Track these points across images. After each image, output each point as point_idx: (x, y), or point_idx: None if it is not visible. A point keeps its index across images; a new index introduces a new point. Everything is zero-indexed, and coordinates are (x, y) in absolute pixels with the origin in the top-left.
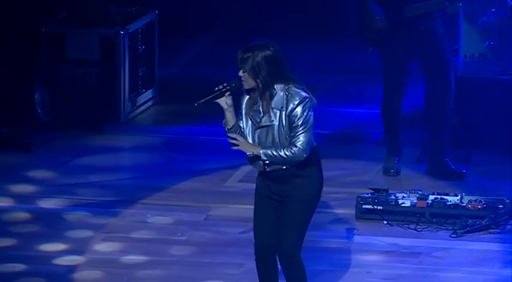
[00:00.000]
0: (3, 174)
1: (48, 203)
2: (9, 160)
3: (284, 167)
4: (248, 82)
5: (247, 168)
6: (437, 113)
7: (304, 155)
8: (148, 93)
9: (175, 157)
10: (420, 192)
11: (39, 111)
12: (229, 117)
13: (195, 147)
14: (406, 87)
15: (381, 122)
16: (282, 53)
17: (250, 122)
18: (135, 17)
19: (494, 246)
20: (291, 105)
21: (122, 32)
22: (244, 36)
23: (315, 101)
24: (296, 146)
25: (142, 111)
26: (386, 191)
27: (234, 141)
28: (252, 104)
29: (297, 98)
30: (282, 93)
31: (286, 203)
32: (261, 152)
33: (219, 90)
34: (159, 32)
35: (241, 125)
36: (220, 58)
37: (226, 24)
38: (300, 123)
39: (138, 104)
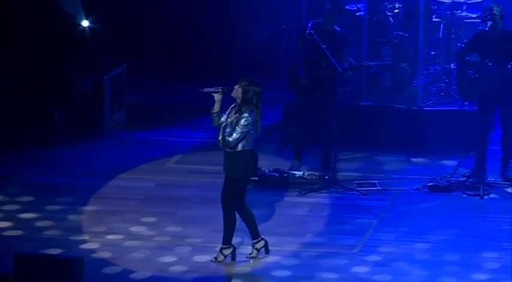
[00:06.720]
0: (42, 161)
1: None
2: (40, 152)
3: (228, 150)
4: (236, 93)
5: (179, 157)
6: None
7: (232, 145)
8: (121, 113)
9: (137, 150)
10: (281, 169)
11: (57, 123)
12: (216, 106)
13: (149, 144)
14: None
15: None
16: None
17: (227, 120)
18: (113, 68)
19: (324, 200)
20: (240, 116)
21: (105, 77)
22: (183, 77)
23: (260, 124)
24: (229, 137)
25: (116, 124)
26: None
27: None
28: (232, 110)
29: (245, 115)
30: (243, 109)
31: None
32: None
33: (216, 89)
34: (128, 75)
35: (222, 119)
36: (168, 91)
37: (171, 70)
38: (238, 127)
39: (114, 119)
